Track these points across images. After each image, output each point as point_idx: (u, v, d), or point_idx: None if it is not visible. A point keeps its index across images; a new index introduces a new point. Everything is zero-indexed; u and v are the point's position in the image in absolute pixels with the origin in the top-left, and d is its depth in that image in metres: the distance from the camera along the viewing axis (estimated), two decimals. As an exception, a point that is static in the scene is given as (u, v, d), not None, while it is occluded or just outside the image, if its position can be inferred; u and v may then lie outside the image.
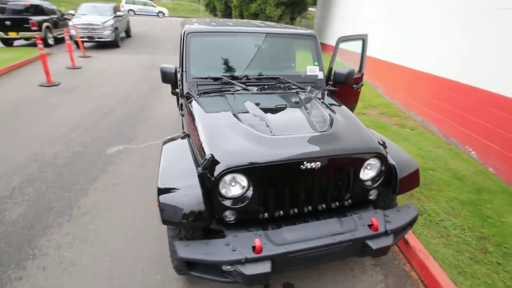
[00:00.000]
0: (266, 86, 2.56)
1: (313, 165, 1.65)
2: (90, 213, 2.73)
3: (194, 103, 2.27)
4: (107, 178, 3.30)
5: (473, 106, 3.86)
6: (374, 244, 1.66)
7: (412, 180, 1.95)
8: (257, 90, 2.50)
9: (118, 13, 12.18)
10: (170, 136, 2.19)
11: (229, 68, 2.69)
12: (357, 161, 1.77)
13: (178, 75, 2.66)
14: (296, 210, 1.74)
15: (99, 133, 4.42)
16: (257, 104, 2.14)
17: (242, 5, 12.20)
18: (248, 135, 1.76)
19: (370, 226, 1.70)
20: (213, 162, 1.58)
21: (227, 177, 1.57)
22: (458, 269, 2.14)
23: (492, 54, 3.64)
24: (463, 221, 2.63)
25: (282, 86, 2.62)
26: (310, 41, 2.84)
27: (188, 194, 1.56)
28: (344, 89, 3.01)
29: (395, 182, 1.88)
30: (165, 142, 2.07)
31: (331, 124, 1.92)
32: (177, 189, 1.58)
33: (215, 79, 2.53)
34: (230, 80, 2.51)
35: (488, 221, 2.63)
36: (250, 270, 1.46)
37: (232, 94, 2.39)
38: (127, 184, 3.20)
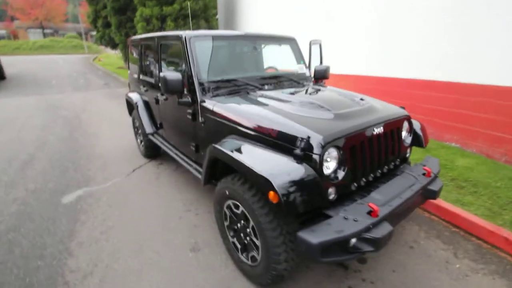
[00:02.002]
0: (275, 83, 2.64)
1: (379, 130, 1.84)
2: (95, 272, 2.05)
3: (225, 104, 2.12)
4: (88, 228, 2.55)
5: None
6: (434, 187, 1.95)
7: (425, 133, 2.39)
8: (269, 87, 2.55)
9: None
10: (218, 144, 1.91)
11: (233, 70, 2.65)
12: (398, 124, 2.07)
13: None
14: (373, 175, 1.87)
15: (33, 185, 3.36)
16: (292, 94, 2.20)
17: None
18: (319, 114, 1.81)
19: (425, 174, 2.00)
20: (310, 141, 1.55)
21: (326, 153, 1.57)
22: (458, 202, 2.69)
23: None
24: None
25: (286, 82, 2.76)
26: (293, 43, 3.12)
27: (301, 179, 1.46)
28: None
29: (420, 138, 2.27)
30: (225, 149, 1.81)
31: (362, 100, 2.18)
32: (286, 177, 1.45)
33: (228, 81, 2.44)
34: (244, 81, 2.47)
35: (448, 167, 3.41)
36: (379, 233, 1.47)
37: (254, 92, 2.36)
38: (122, 227, 2.57)
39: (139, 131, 4.05)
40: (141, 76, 3.62)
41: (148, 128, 3.66)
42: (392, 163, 2.05)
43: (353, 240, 1.47)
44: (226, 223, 2.05)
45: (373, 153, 1.82)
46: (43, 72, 15.24)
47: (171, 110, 2.89)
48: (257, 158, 1.62)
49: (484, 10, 3.48)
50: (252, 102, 2.12)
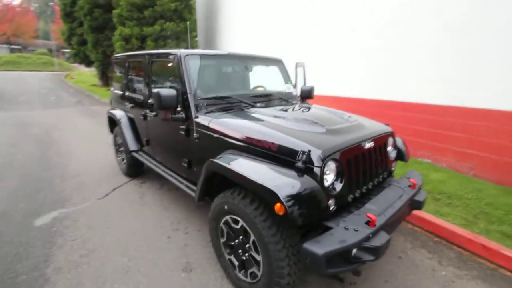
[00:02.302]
0: (266, 101, 2.74)
1: (369, 144, 1.96)
2: (78, 299, 1.88)
3: (221, 120, 2.15)
4: (66, 252, 2.35)
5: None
6: (420, 198, 2.08)
7: (407, 148, 2.57)
8: (260, 105, 2.63)
9: None
10: (217, 159, 1.92)
11: (225, 88, 2.71)
12: (385, 139, 2.22)
13: None
14: (365, 187, 1.96)
15: (2, 206, 3.08)
16: (285, 111, 2.29)
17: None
18: (314, 129, 1.90)
19: (410, 186, 2.14)
20: (310, 154, 1.61)
21: (326, 166, 1.64)
22: (437, 213, 2.87)
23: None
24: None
25: (276, 100, 2.86)
26: (280, 64, 3.29)
27: (305, 190, 1.50)
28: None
29: (403, 153, 2.43)
30: (225, 164, 1.82)
31: (350, 117, 2.33)
32: (291, 189, 1.48)
33: (222, 98, 2.49)
34: (237, 98, 2.54)
35: (423, 181, 3.64)
36: (378, 241, 1.53)
37: (248, 109, 2.43)
38: (104, 249, 2.40)
39: (122, 149, 3.91)
40: (126, 93, 3.56)
41: (132, 145, 3.56)
42: (381, 176, 2.17)
43: (354, 250, 1.51)
44: (222, 240, 2.01)
45: (365, 166, 1.92)
46: (10, 88, 14.37)
47: (161, 127, 2.86)
48: (259, 172, 1.64)
49: (448, 43, 3.93)
50: (249, 118, 2.17)
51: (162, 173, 2.92)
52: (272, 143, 1.77)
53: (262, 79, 3.18)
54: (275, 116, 2.16)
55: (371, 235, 1.53)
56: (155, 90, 2.26)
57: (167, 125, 2.72)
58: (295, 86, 3.42)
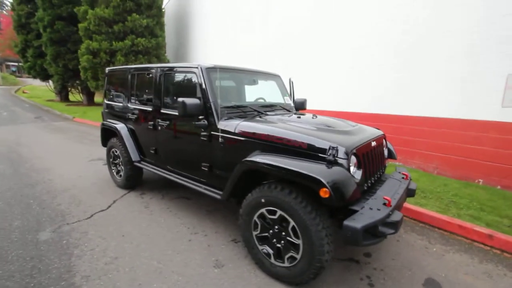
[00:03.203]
0: (271, 111, 3.05)
1: (374, 143, 2.37)
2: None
3: (248, 124, 2.38)
4: (88, 262, 2.31)
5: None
6: (412, 187, 2.53)
7: (394, 149, 3.05)
8: (270, 113, 2.94)
9: None
10: (253, 158, 2.15)
11: (238, 98, 2.96)
12: (381, 140, 2.66)
13: None
14: (373, 179, 2.34)
15: (-9, 225, 2.85)
16: (299, 117, 2.63)
17: (96, 67, 11.15)
18: (330, 131, 2.25)
19: (403, 177, 2.58)
20: (338, 150, 1.94)
21: (350, 159, 1.98)
22: (417, 204, 3.38)
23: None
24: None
25: (279, 110, 3.19)
26: (278, 79, 3.66)
27: (341, 177, 1.80)
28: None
29: (392, 152, 2.90)
30: (267, 161, 2.05)
31: (351, 123, 2.75)
32: (330, 177, 1.77)
33: (238, 106, 2.74)
34: (251, 107, 2.82)
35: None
36: (396, 217, 1.89)
37: (262, 116, 2.71)
38: (128, 256, 2.40)
39: (117, 161, 3.86)
40: (129, 105, 3.60)
41: (134, 156, 3.57)
42: (381, 171, 2.59)
43: (380, 226, 1.84)
44: (255, 233, 2.20)
45: (373, 160, 2.31)
46: None
47: (177, 135, 2.97)
48: (297, 165, 1.91)
49: (405, 60, 4.71)
50: (272, 123, 2.44)
51: (176, 180, 3.00)
52: (302, 142, 2.07)
53: (263, 91, 3.51)
54: (294, 121, 2.47)
55: (390, 213, 1.89)
56: (180, 99, 2.43)
57: (185, 132, 2.86)
58: (292, 99, 3.81)
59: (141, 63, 11.55)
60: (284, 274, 2.06)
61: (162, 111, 3.05)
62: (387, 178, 2.57)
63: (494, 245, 2.63)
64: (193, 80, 2.75)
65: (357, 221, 1.74)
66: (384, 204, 1.96)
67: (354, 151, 2.04)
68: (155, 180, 4.33)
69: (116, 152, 3.84)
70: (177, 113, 2.86)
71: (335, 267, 2.30)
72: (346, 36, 5.53)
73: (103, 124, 4.03)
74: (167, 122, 3.01)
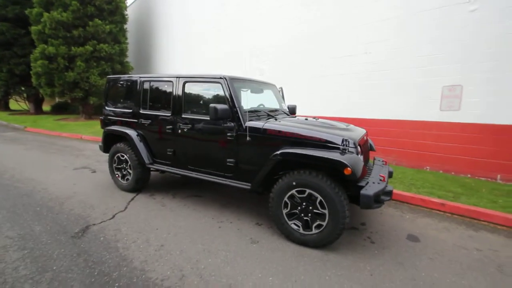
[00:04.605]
0: (277, 115, 3.64)
1: (365, 138, 3.13)
2: (188, 273, 2.24)
3: (273, 124, 2.90)
4: (138, 250, 2.55)
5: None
6: (391, 170, 3.36)
7: (373, 143, 3.87)
8: (278, 116, 3.53)
9: None
10: (284, 151, 2.69)
11: (252, 104, 3.48)
12: (367, 136, 3.44)
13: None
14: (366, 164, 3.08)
15: (12, 232, 2.84)
16: (306, 119, 3.27)
17: (52, 72, 10.34)
18: (335, 129, 2.93)
19: (383, 163, 3.40)
20: (349, 141, 2.61)
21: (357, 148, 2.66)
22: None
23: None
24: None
25: (281, 115, 3.79)
26: (274, 87, 4.27)
27: (356, 160, 2.45)
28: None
29: (372, 146, 3.73)
30: (299, 152, 2.60)
31: (343, 123, 3.49)
32: (349, 160, 2.40)
33: (255, 111, 3.27)
34: (264, 111, 3.37)
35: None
36: (390, 188, 2.64)
37: (275, 118, 3.29)
38: (171, 242, 2.70)
39: (124, 165, 4.00)
40: (141, 111, 3.83)
41: (147, 159, 3.80)
42: (368, 158, 3.37)
43: (381, 195, 2.56)
44: (285, 211, 2.73)
45: (365, 150, 3.06)
46: None
47: (202, 137, 3.33)
48: (323, 154, 2.51)
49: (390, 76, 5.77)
50: (292, 123, 3.01)
51: (199, 177, 3.36)
52: (321, 137, 2.69)
53: (263, 98, 4.08)
54: (305, 123, 3.09)
55: (386, 185, 2.62)
56: (212, 105, 2.87)
57: (210, 133, 3.24)
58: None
59: (104, 69, 11.13)
60: (313, 239, 2.62)
61: (183, 115, 3.40)
62: (373, 164, 3.35)
63: (446, 210, 3.60)
64: (217, 89, 3.19)
65: (368, 191, 2.42)
66: (380, 180, 2.69)
67: (358, 142, 2.74)
68: (159, 182, 4.53)
69: (123, 156, 3.98)
70: (199, 117, 3.28)
71: (344, 234, 2.95)
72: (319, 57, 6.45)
73: (107, 130, 4.12)
74: (189, 126, 3.37)
